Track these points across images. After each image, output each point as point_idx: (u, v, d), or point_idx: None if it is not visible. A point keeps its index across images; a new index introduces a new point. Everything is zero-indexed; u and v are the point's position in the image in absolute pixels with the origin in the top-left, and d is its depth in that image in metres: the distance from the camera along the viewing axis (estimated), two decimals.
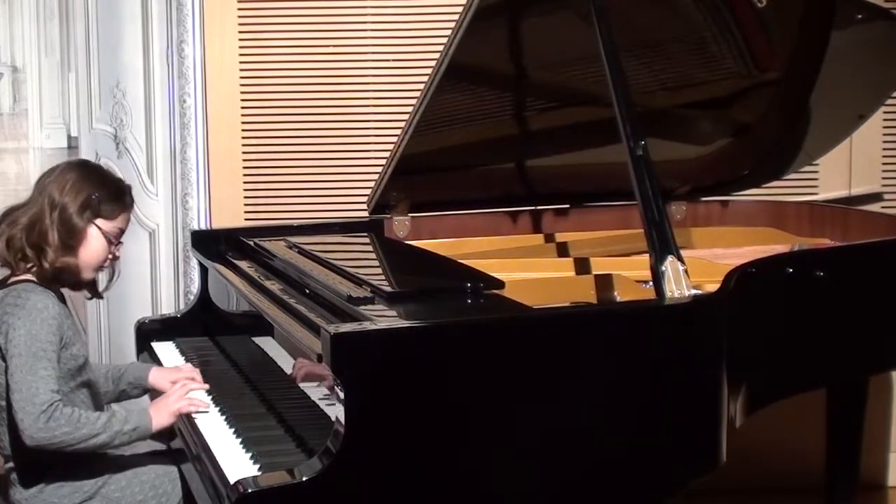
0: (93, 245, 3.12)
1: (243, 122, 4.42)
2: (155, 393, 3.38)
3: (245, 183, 4.44)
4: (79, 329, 3.17)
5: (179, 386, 3.13)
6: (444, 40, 3.33)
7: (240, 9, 4.39)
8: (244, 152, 4.43)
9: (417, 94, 3.47)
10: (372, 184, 3.78)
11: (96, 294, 3.29)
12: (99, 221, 3.11)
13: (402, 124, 3.56)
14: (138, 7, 4.46)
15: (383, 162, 3.69)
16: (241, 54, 4.40)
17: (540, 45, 3.54)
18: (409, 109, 3.52)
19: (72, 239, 3.08)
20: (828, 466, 3.75)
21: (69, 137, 15.30)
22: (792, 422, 4.09)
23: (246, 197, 4.44)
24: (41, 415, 2.87)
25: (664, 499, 2.72)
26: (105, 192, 3.13)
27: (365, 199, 3.82)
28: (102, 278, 3.26)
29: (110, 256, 3.17)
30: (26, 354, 2.92)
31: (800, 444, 4.17)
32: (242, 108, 4.42)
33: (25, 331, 2.95)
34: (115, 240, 3.15)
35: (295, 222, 4.04)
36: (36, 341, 2.94)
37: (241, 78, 4.41)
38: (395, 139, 3.61)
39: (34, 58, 16.58)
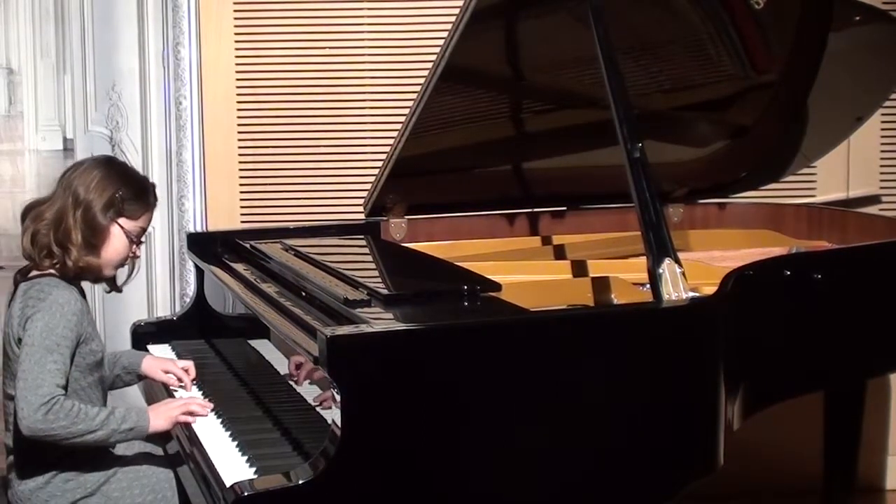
0: (115, 244, 3.12)
1: (239, 125, 4.41)
2: (147, 382, 3.40)
3: (241, 185, 4.43)
4: (96, 325, 3.17)
5: (188, 398, 3.11)
6: (440, 47, 3.33)
7: (236, 10, 4.38)
8: (240, 154, 4.42)
9: (414, 98, 3.47)
10: (368, 186, 3.78)
11: (115, 288, 3.29)
12: (122, 221, 3.11)
13: (399, 127, 3.55)
14: (134, 9, 4.45)
15: (380, 164, 3.69)
16: (237, 56, 4.39)
17: (536, 48, 3.54)
18: (406, 112, 3.52)
19: (95, 238, 3.08)
20: (826, 469, 3.75)
21: (65, 139, 15.31)
22: (790, 425, 4.08)
23: (242, 199, 4.43)
24: (41, 406, 2.87)
25: (662, 502, 2.71)
26: (129, 190, 3.13)
27: (361, 201, 3.81)
28: (121, 272, 3.26)
29: (131, 255, 3.17)
30: (39, 346, 2.92)
31: (798, 447, 4.16)
32: (238, 109, 4.41)
33: (43, 323, 2.95)
34: (136, 239, 3.15)
35: (291, 225, 4.04)
36: (51, 335, 2.94)
37: (237, 80, 4.40)
38: (391, 142, 3.61)
39: (30, 60, 16.60)
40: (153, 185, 3.24)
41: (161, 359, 3.43)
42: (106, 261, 3.12)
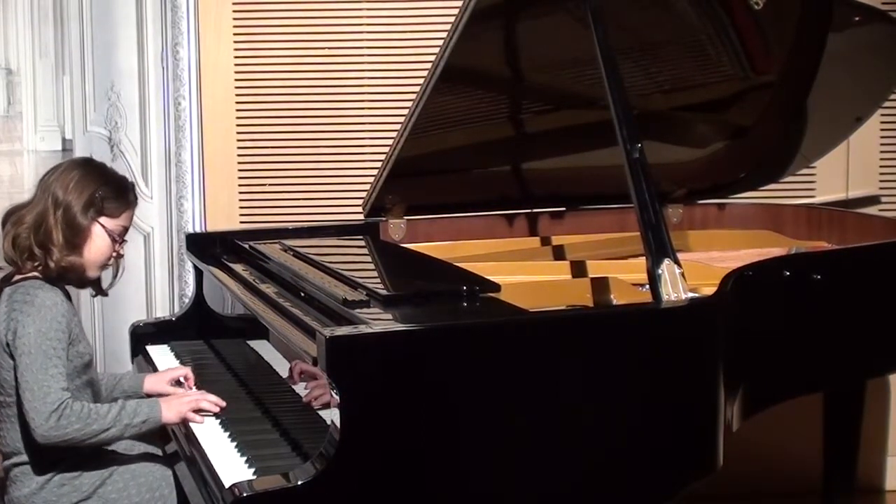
0: (97, 243, 3.11)
1: (238, 125, 4.41)
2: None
3: (240, 185, 4.43)
4: (83, 327, 3.17)
5: (199, 395, 3.11)
6: (439, 45, 3.33)
7: (234, 11, 4.38)
8: (239, 154, 4.42)
9: (412, 100, 3.47)
10: (367, 187, 3.78)
11: (101, 292, 3.29)
12: (103, 219, 3.11)
13: (398, 128, 3.55)
14: (133, 9, 4.45)
15: (379, 165, 3.69)
16: (235, 56, 4.39)
17: (536, 48, 3.54)
18: (405, 114, 3.51)
19: (76, 238, 3.08)
20: (825, 470, 3.75)
21: (63, 140, 15.27)
22: (790, 425, 4.08)
23: (241, 199, 4.43)
24: (52, 414, 2.87)
25: (661, 502, 2.71)
26: (108, 190, 3.13)
27: (360, 201, 3.81)
28: (106, 276, 3.25)
29: (114, 254, 3.16)
30: (37, 353, 2.92)
31: (798, 447, 4.16)
32: (237, 110, 4.41)
33: (35, 329, 2.94)
34: (118, 238, 3.15)
35: (290, 225, 4.04)
36: (46, 339, 2.94)
37: (236, 80, 4.40)
38: (390, 143, 3.60)
39: (28, 60, 16.57)
40: (132, 185, 3.23)
41: (161, 373, 3.41)
42: (89, 261, 3.11)
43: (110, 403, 3.01)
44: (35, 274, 3.07)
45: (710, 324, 2.77)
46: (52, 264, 3.05)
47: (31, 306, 2.98)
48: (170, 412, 3.01)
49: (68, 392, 2.92)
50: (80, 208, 3.08)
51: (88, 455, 3.04)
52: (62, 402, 2.89)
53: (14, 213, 3.13)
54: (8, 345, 2.99)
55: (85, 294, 3.33)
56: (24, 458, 3.04)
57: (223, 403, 3.07)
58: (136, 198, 3.22)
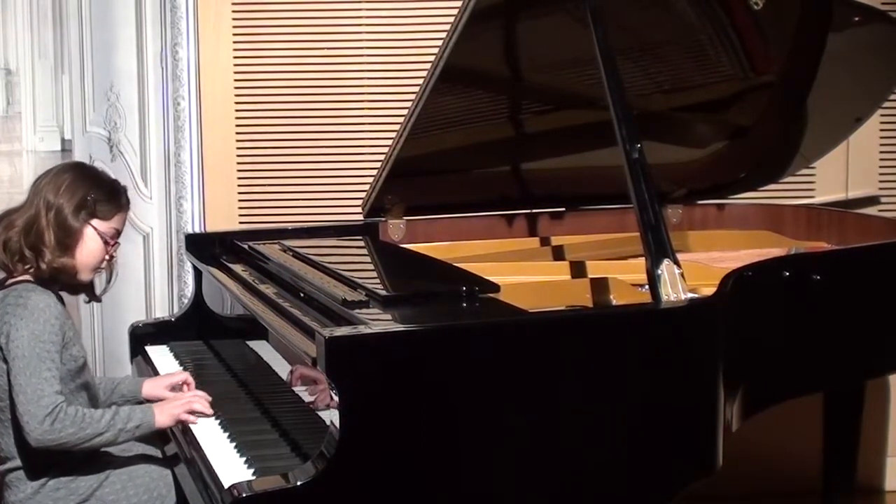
0: (89, 246, 3.11)
1: (237, 125, 4.41)
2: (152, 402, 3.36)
3: (239, 186, 4.42)
4: (77, 330, 3.16)
5: (190, 396, 3.10)
6: (439, 42, 3.33)
7: (234, 11, 4.38)
8: (238, 155, 4.42)
9: (412, 100, 3.47)
10: (367, 187, 3.78)
11: (94, 297, 3.28)
12: (95, 222, 3.11)
13: (397, 128, 3.55)
14: (132, 10, 4.44)
15: (378, 165, 3.69)
16: (235, 57, 4.39)
17: (535, 48, 3.54)
18: (404, 114, 3.51)
19: (68, 239, 3.08)
20: (825, 470, 3.75)
21: (63, 140, 15.30)
22: (790, 425, 4.08)
23: (240, 200, 4.43)
24: (46, 417, 2.87)
25: (661, 503, 2.71)
26: (100, 192, 3.13)
27: (360, 202, 3.81)
28: (100, 281, 3.25)
29: (107, 257, 3.16)
30: (30, 356, 2.91)
31: (798, 447, 4.16)
32: (237, 110, 4.40)
33: (28, 332, 2.94)
34: (111, 240, 3.15)
35: (289, 225, 4.04)
36: (39, 342, 2.93)
37: (236, 80, 4.40)
38: (390, 143, 3.60)
39: (28, 61, 16.58)
40: (125, 188, 3.23)
41: (160, 378, 3.40)
42: (81, 263, 3.11)
43: (104, 409, 3.01)
44: (27, 277, 3.07)
45: (709, 324, 2.77)
46: (43, 265, 3.05)
47: (24, 309, 2.97)
48: (163, 416, 3.01)
49: (62, 395, 2.92)
50: (71, 210, 3.08)
51: (84, 458, 3.04)
52: (56, 406, 2.88)
53: (5, 217, 3.13)
54: (1, 348, 2.98)
55: (81, 296, 3.32)
56: (18, 462, 3.03)
57: (210, 412, 3.06)
58: (128, 201, 3.22)
